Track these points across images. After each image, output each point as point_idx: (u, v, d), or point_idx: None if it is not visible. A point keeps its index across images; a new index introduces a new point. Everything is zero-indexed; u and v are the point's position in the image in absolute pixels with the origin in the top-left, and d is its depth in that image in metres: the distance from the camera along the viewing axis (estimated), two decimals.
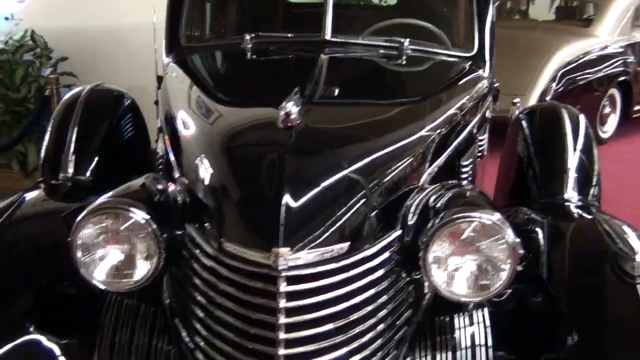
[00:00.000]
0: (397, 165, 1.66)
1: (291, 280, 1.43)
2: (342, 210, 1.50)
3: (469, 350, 1.61)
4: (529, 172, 2.32)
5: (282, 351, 1.43)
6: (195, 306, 1.58)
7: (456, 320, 1.65)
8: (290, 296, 1.43)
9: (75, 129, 2.39)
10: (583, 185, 2.19)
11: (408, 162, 1.70)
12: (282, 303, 1.43)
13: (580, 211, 2.08)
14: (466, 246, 1.54)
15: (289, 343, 1.43)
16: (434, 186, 1.73)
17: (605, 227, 1.88)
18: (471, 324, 1.65)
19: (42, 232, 1.93)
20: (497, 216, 1.53)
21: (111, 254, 1.61)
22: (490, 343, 1.62)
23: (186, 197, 1.68)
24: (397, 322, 1.59)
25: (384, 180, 1.60)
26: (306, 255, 1.43)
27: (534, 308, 1.72)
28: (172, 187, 1.73)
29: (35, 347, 1.65)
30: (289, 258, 1.41)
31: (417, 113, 1.90)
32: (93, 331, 1.68)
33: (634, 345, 1.59)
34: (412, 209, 1.65)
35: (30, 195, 2.08)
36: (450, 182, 1.76)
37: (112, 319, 1.68)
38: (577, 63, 6.00)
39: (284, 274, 1.43)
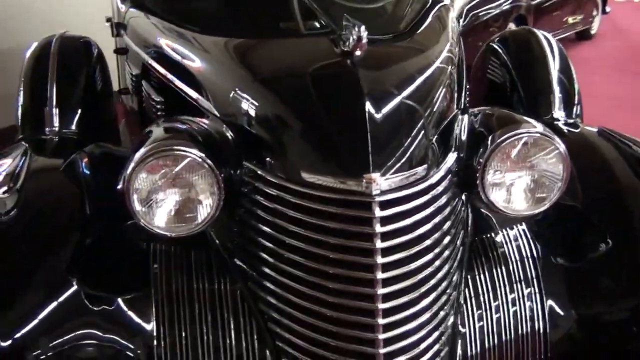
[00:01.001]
0: (447, 89, 1.68)
1: (383, 206, 1.44)
2: (418, 134, 1.51)
3: (519, 263, 1.68)
4: (513, 97, 2.40)
5: (379, 275, 1.44)
6: (269, 242, 1.56)
7: (501, 237, 1.72)
8: (384, 221, 1.45)
9: (55, 81, 2.29)
10: (567, 104, 2.29)
11: (454, 85, 1.74)
12: (378, 228, 1.43)
13: (570, 128, 2.19)
14: (520, 162, 1.59)
15: (385, 267, 1.45)
16: (476, 109, 1.77)
17: (607, 137, 1.98)
18: (516, 238, 1.72)
19: (61, 189, 1.84)
20: (544, 129, 1.59)
21: (169, 199, 1.56)
22: (536, 254, 1.70)
23: (237, 134, 1.64)
24: (458, 244, 1.64)
25: (443, 104, 1.63)
26: (393, 180, 1.44)
27: (565, 219, 1.80)
28: (211, 126, 1.69)
29: (83, 303, 1.59)
30: (381, 183, 1.43)
31: (447, 39, 1.92)
32: (141, 283, 1.64)
33: None
34: (462, 131, 1.69)
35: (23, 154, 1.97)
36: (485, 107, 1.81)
37: (164, 268, 1.64)
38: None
39: (377, 199, 1.43)
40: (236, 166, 1.61)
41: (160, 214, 1.56)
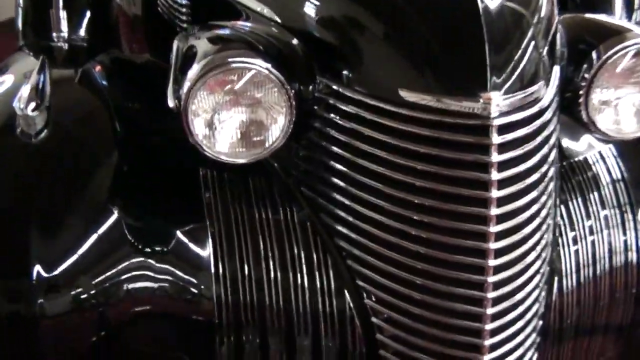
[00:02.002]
0: None
1: (501, 130, 1.23)
2: (532, 46, 1.29)
3: (611, 187, 1.53)
4: None
5: (494, 211, 1.24)
6: (349, 169, 1.35)
7: (590, 159, 1.55)
8: (500, 149, 1.24)
9: None
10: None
11: None
12: (495, 156, 1.22)
13: None
14: (628, 77, 1.41)
15: (500, 201, 1.25)
16: (558, 19, 1.55)
17: None
18: (604, 160, 1.56)
19: (86, 104, 1.61)
20: None
21: (233, 120, 1.34)
22: (628, 177, 1.54)
23: (307, 42, 1.40)
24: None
25: (549, 8, 1.40)
26: (511, 100, 1.23)
27: None
28: (271, 33, 1.45)
29: (126, 235, 1.39)
30: (500, 103, 1.22)
31: None
32: (192, 213, 1.44)
33: None
34: (560, 42, 1.48)
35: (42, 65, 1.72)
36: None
37: (218, 196, 1.44)
38: None
39: (495, 122, 1.22)
40: (307, 81, 1.38)
41: (223, 137, 1.34)
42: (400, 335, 1.34)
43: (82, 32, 1.99)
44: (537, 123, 1.28)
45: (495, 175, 1.23)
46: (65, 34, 1.96)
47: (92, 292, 1.33)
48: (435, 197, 1.27)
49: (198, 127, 1.33)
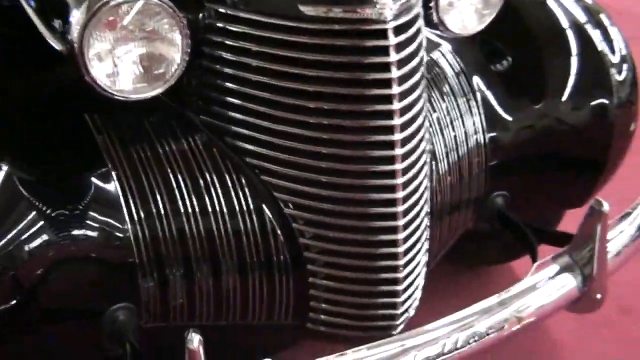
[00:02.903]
0: None
1: (396, 32, 1.35)
2: None
3: (455, 78, 1.73)
4: None
5: (397, 105, 1.37)
6: (252, 89, 1.40)
7: (434, 57, 1.74)
8: (398, 49, 1.35)
9: None
10: None
11: None
12: (394, 56, 1.34)
13: None
14: None
15: (401, 96, 1.37)
16: None
17: None
18: (444, 56, 1.76)
19: None
20: None
21: (131, 55, 1.34)
22: (464, 68, 1.76)
23: None
24: None
25: None
26: (398, 5, 1.34)
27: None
28: None
29: (22, 188, 1.34)
30: (393, 8, 1.32)
31: None
32: (88, 157, 1.43)
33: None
34: None
35: None
36: None
37: (114, 137, 1.43)
38: None
39: (392, 25, 1.33)
40: (195, 10, 1.41)
41: (123, 75, 1.34)
42: (321, 233, 1.44)
43: None
44: (417, 25, 1.43)
45: (395, 73, 1.36)
46: None
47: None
48: (341, 101, 1.37)
49: (97, 68, 1.31)
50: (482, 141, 1.70)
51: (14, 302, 1.30)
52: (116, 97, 1.35)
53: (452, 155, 1.64)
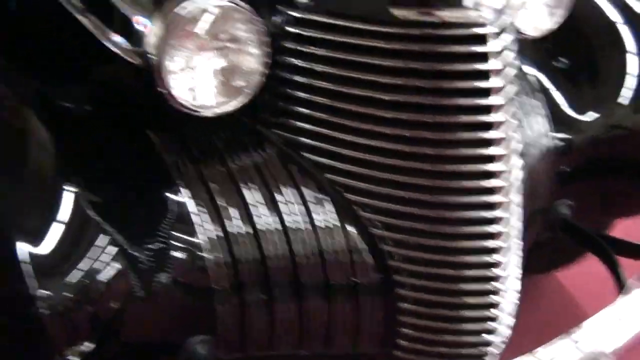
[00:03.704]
0: None
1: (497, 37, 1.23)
2: None
3: None
4: None
5: (495, 100, 1.25)
6: (336, 101, 1.29)
7: None
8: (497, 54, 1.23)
9: None
10: None
11: None
12: (494, 63, 1.22)
13: None
14: None
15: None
16: None
17: None
18: None
19: None
20: None
21: (209, 67, 1.24)
22: None
23: None
24: None
25: None
26: (495, 9, 1.22)
27: None
28: None
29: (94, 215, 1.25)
30: (493, 12, 1.20)
31: None
32: (158, 177, 1.33)
33: None
34: None
35: None
36: None
37: (184, 155, 1.33)
38: None
39: (491, 30, 1.21)
40: (270, 15, 1.30)
41: (203, 88, 1.24)
42: (411, 255, 1.32)
43: None
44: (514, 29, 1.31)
45: (495, 82, 1.24)
46: None
47: (76, 292, 1.18)
48: (435, 112, 1.26)
49: (176, 82, 1.21)
50: (550, 146, 1.58)
51: (89, 337, 1.21)
52: (195, 112, 1.25)
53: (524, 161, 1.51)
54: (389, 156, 1.29)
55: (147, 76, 1.23)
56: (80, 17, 1.35)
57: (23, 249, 1.13)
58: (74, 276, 1.18)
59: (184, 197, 1.30)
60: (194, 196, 1.30)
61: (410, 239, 1.32)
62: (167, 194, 1.31)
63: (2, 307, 1.13)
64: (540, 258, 1.93)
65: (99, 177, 1.29)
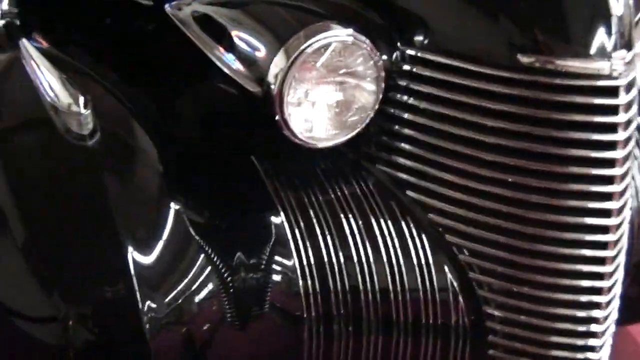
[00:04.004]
0: None
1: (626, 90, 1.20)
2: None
3: None
4: None
5: (620, 170, 1.22)
6: (443, 141, 1.27)
7: None
8: (626, 107, 1.20)
9: None
10: None
11: None
12: (622, 116, 1.19)
13: None
14: None
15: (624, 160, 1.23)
16: None
17: None
18: None
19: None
20: None
21: (324, 100, 1.23)
22: None
23: (385, 12, 1.30)
24: None
25: None
26: (627, 60, 1.20)
27: None
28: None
29: (198, 236, 1.24)
30: (625, 63, 1.17)
31: None
32: (260, 200, 1.32)
33: None
34: None
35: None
36: None
37: (284, 182, 1.33)
38: None
39: (622, 82, 1.18)
40: (388, 52, 1.29)
41: (318, 121, 1.23)
42: (509, 303, 1.30)
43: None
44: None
45: (621, 135, 1.22)
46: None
47: (174, 310, 1.17)
48: (554, 161, 1.23)
49: (294, 114, 1.21)
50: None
51: (182, 357, 1.20)
52: (307, 144, 1.24)
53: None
54: (493, 201, 1.27)
55: (263, 106, 1.23)
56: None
57: (134, 260, 1.12)
58: (174, 294, 1.17)
59: (283, 222, 1.29)
60: (293, 222, 1.29)
61: (508, 286, 1.29)
62: (267, 219, 1.30)
63: (108, 314, 1.12)
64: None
65: (203, 198, 1.28)
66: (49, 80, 1.24)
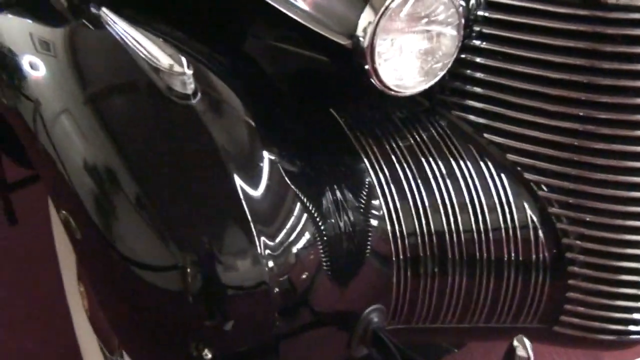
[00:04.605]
0: None
1: None
2: None
3: None
4: None
5: None
6: (524, 82, 1.32)
7: None
8: None
9: None
10: None
11: None
12: None
13: None
14: None
15: None
16: None
17: None
18: None
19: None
20: None
21: (409, 49, 1.27)
22: None
23: None
24: None
25: None
26: None
27: None
28: None
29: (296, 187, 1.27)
30: None
31: None
32: (344, 150, 1.38)
33: None
34: None
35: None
36: None
37: (365, 131, 1.38)
38: None
39: None
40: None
41: (406, 70, 1.28)
42: (586, 233, 1.37)
43: None
44: None
45: None
46: None
47: (279, 259, 1.21)
48: (625, 94, 1.29)
49: (384, 64, 1.25)
50: None
51: (276, 310, 1.24)
52: (396, 92, 1.28)
53: None
54: (567, 136, 1.33)
55: (352, 57, 1.27)
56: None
57: (248, 206, 1.16)
58: (281, 238, 1.21)
59: (368, 169, 1.34)
60: (378, 169, 1.35)
61: (586, 217, 1.36)
62: (353, 167, 1.35)
63: (226, 259, 1.16)
64: None
65: (292, 149, 1.33)
66: (143, 44, 1.26)
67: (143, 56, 1.25)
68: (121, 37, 1.31)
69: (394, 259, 1.34)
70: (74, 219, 1.23)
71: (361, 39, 1.24)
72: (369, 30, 1.23)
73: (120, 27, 1.32)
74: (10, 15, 1.57)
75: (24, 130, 1.34)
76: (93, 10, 1.42)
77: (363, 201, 1.33)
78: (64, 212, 1.26)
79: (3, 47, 1.46)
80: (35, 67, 1.37)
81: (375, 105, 1.41)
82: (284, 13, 1.37)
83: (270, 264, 1.17)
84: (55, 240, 1.98)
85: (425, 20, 1.27)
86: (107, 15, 1.37)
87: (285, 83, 1.50)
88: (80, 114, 1.26)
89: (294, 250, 1.22)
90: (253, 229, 1.15)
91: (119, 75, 1.30)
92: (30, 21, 1.53)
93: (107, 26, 1.35)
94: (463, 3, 1.31)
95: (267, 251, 1.17)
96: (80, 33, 1.48)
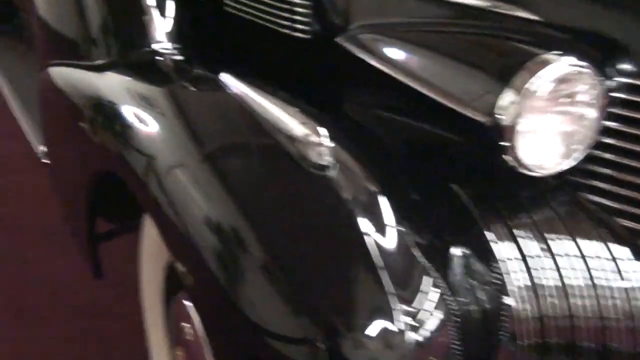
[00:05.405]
0: None
1: None
2: None
3: None
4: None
5: None
6: None
7: None
8: None
9: None
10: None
11: None
12: None
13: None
14: None
15: None
16: None
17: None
18: None
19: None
20: None
21: (550, 129, 1.25)
22: None
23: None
24: None
25: None
26: None
27: None
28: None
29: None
30: None
31: None
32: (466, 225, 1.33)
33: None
34: None
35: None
36: None
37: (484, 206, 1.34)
38: None
39: None
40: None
41: (545, 150, 1.25)
42: None
43: (168, 39, 1.72)
44: None
45: None
46: (165, 45, 1.69)
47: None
48: None
49: (523, 144, 1.22)
50: None
51: None
52: (532, 171, 1.25)
53: None
54: None
55: (490, 134, 1.24)
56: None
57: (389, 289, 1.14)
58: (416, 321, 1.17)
59: (493, 246, 1.30)
60: (503, 246, 1.30)
61: None
62: (477, 244, 1.31)
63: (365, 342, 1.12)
64: None
65: (420, 222, 1.29)
66: (272, 111, 1.25)
67: (272, 121, 1.23)
68: (243, 101, 1.30)
69: (517, 342, 1.28)
70: (190, 269, 1.22)
71: (501, 116, 1.21)
72: (511, 110, 1.20)
73: (242, 91, 1.31)
74: (117, 75, 1.58)
75: (133, 178, 1.34)
76: (202, 72, 1.42)
77: (488, 278, 1.29)
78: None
79: (114, 103, 1.47)
80: (145, 123, 1.37)
81: (499, 183, 1.37)
82: (409, 86, 1.35)
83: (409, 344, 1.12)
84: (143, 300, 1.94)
85: (567, 100, 1.24)
86: (229, 81, 1.36)
87: (410, 155, 1.48)
88: (203, 172, 1.24)
89: (428, 330, 1.18)
90: (392, 311, 1.11)
91: (251, 143, 1.28)
92: (136, 81, 1.54)
93: (225, 89, 1.34)
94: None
95: (406, 329, 1.12)
96: (192, 94, 1.48)
